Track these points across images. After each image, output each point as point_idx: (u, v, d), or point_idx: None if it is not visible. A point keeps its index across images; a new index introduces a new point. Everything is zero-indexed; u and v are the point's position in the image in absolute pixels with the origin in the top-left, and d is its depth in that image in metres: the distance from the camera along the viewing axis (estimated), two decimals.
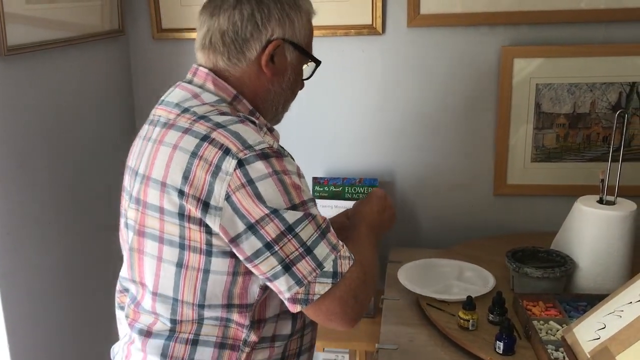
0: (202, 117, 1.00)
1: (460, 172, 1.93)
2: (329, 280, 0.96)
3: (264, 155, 0.95)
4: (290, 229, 0.94)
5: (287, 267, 0.95)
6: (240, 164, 0.94)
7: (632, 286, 1.09)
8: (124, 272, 1.12)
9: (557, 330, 1.27)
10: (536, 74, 1.79)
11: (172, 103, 1.06)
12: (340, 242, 1.00)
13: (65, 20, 1.63)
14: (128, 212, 1.07)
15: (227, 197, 0.93)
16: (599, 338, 1.04)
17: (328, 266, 0.96)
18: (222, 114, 1.01)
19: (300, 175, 1.01)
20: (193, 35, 1.90)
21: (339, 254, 0.98)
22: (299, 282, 0.95)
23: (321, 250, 0.96)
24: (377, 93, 1.90)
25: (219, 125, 0.98)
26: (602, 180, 1.49)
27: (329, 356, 2.12)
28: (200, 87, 1.07)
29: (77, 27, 1.68)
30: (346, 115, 1.93)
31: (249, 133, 0.98)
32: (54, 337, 1.65)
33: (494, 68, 1.82)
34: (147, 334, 1.05)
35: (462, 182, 1.93)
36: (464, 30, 1.81)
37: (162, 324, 1.04)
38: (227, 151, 0.94)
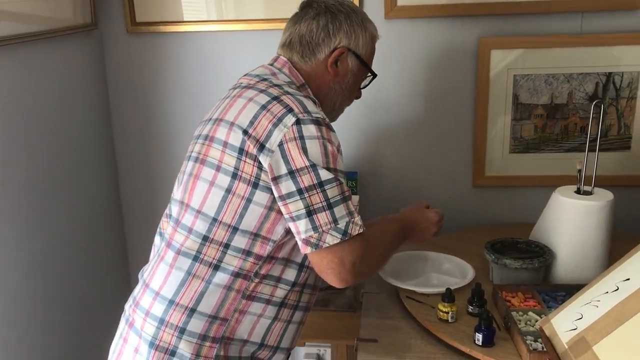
0: (277, 85, 1.23)
1: (439, 164, 1.92)
2: (339, 236, 1.12)
3: (317, 122, 1.15)
4: (320, 184, 1.12)
5: (310, 213, 1.12)
6: (298, 122, 1.14)
7: (609, 276, 1.10)
8: (176, 195, 1.29)
9: (536, 321, 1.28)
10: (514, 65, 1.79)
11: (255, 74, 1.29)
12: (357, 214, 1.16)
13: (34, 14, 1.59)
14: (195, 147, 1.27)
15: (280, 144, 1.13)
16: (576, 328, 1.05)
17: (342, 224, 1.13)
18: (291, 88, 1.24)
19: (339, 150, 1.19)
20: (168, 28, 1.91)
21: (353, 219, 1.14)
22: (315, 228, 1.12)
23: (340, 210, 1.13)
24: None
25: (288, 93, 1.20)
26: (580, 171, 1.49)
27: (311, 350, 2.12)
28: (279, 69, 1.30)
29: (47, 21, 1.64)
30: None
31: (310, 104, 1.19)
32: (26, 335, 1.62)
33: (471, 59, 1.82)
34: (178, 251, 1.21)
35: (441, 174, 1.93)
36: (442, 22, 1.80)
37: (193, 242, 1.19)
38: (290, 110, 1.15)
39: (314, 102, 1.23)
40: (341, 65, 1.31)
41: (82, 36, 1.84)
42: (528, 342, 1.21)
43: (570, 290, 1.33)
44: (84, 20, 1.81)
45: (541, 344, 1.19)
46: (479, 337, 1.25)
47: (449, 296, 1.35)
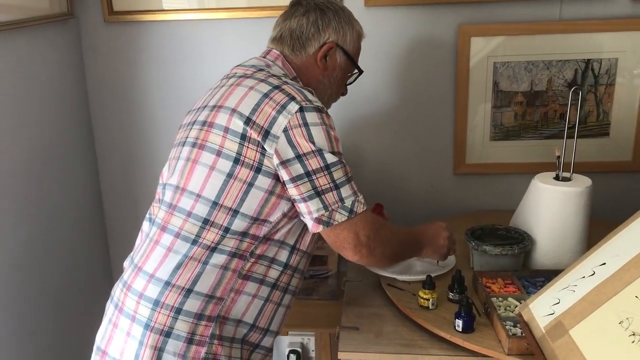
0: (275, 76, 1.28)
1: (420, 152, 1.93)
2: (346, 213, 1.20)
3: (318, 109, 1.21)
4: (327, 167, 1.19)
5: (319, 193, 1.19)
6: (301, 109, 1.19)
7: (585, 261, 1.11)
8: (170, 180, 1.30)
9: (516, 307, 1.29)
10: (493, 53, 1.80)
11: (249, 65, 1.34)
12: (360, 193, 1.24)
13: (8, 3, 1.56)
14: (191, 132, 1.29)
15: (285, 130, 1.18)
16: (553, 313, 1.06)
17: (348, 202, 1.21)
18: (290, 81, 1.28)
19: (338, 138, 1.25)
20: (146, 17, 1.89)
21: (357, 198, 1.23)
22: (325, 207, 1.19)
23: (345, 190, 1.21)
24: None
25: (287, 83, 1.25)
26: (558, 157, 1.50)
27: (295, 339, 2.12)
28: (272, 61, 1.35)
29: (22, 10, 1.61)
30: None
31: (310, 94, 1.25)
32: (4, 329, 1.61)
33: (451, 47, 1.82)
34: (177, 234, 1.23)
35: (422, 161, 1.93)
36: (422, 10, 1.80)
37: (193, 225, 1.22)
38: (292, 98, 1.21)
39: (311, 92, 1.28)
40: (330, 60, 1.37)
41: (58, 26, 1.81)
42: (507, 327, 1.22)
43: (549, 275, 1.34)
44: (60, 9, 1.78)
45: (520, 329, 1.20)
46: (459, 323, 1.26)
47: (429, 283, 1.36)
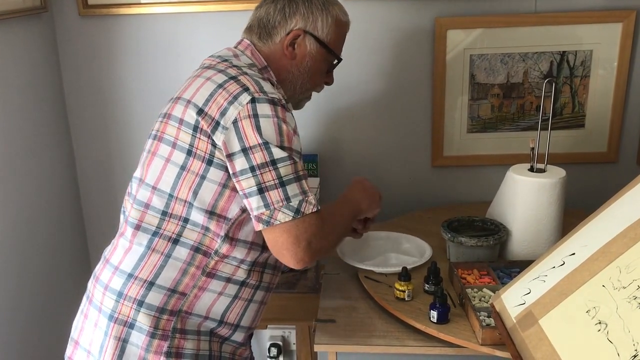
0: (236, 66, 1.24)
1: (399, 145, 1.93)
2: (291, 214, 1.13)
3: (272, 101, 1.16)
4: (273, 162, 1.13)
5: (261, 190, 1.13)
6: (253, 100, 1.15)
7: (556, 251, 1.12)
8: (136, 173, 1.30)
9: (491, 298, 1.30)
10: (470, 45, 1.80)
11: (217, 55, 1.31)
12: (311, 193, 1.17)
13: None
14: (155, 125, 1.29)
15: (235, 122, 1.14)
16: (524, 303, 1.07)
17: (294, 202, 1.14)
18: (251, 70, 1.25)
19: (295, 130, 1.19)
20: (122, 11, 1.87)
21: (306, 198, 1.15)
22: (266, 205, 1.13)
23: (292, 188, 1.14)
24: None
25: (246, 74, 1.21)
26: (532, 149, 1.51)
27: (276, 332, 2.13)
28: (242, 51, 1.32)
29: None
30: None
31: (267, 85, 1.20)
32: None
33: (428, 40, 1.82)
34: (136, 227, 1.22)
35: (401, 154, 1.94)
36: (398, 2, 1.80)
37: (152, 217, 1.21)
38: (246, 89, 1.17)
39: (272, 84, 1.25)
40: (298, 48, 1.31)
41: (32, 19, 1.79)
42: (481, 318, 1.23)
43: (524, 266, 1.34)
44: (33, 2, 1.76)
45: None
46: (434, 314, 1.27)
47: (405, 275, 1.37)
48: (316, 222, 1.16)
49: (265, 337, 2.14)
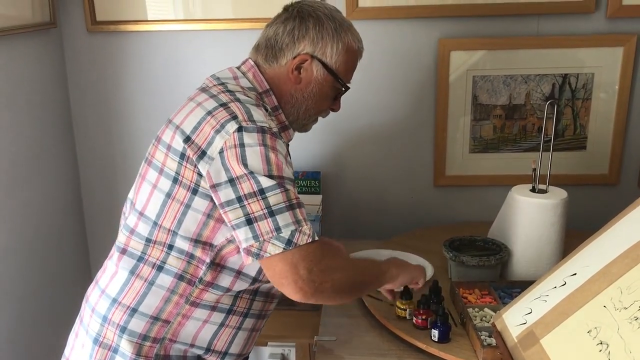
0: (229, 91, 1.20)
1: (401, 164, 1.94)
2: (282, 245, 1.06)
3: (261, 130, 1.11)
4: (261, 192, 1.07)
5: (250, 221, 1.07)
6: (240, 129, 1.10)
7: (557, 271, 1.12)
8: (130, 194, 1.28)
9: (492, 317, 1.30)
10: (473, 66, 1.82)
11: (216, 77, 1.27)
12: (308, 223, 1.09)
13: None
14: (149, 147, 1.26)
15: (221, 151, 1.09)
16: (525, 323, 1.07)
17: (285, 233, 1.06)
18: (246, 95, 1.20)
19: (287, 159, 1.14)
20: (129, 27, 1.90)
21: (300, 228, 1.07)
22: (255, 237, 1.07)
23: (284, 218, 1.07)
24: None
25: (238, 100, 1.16)
26: (534, 170, 1.52)
27: (275, 350, 2.12)
28: (243, 73, 1.27)
29: (4, 19, 1.61)
30: None
31: (257, 113, 1.15)
32: None
33: (432, 61, 1.84)
34: (122, 251, 1.21)
35: (403, 174, 1.95)
36: (402, 23, 1.82)
37: (137, 242, 1.19)
38: (234, 117, 1.12)
39: (267, 111, 1.20)
40: (305, 73, 1.25)
41: (41, 35, 1.81)
42: (482, 337, 1.23)
43: (525, 286, 1.35)
44: (42, 18, 1.79)
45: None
46: (435, 333, 1.27)
47: (407, 293, 1.37)
48: (314, 252, 1.07)
49: (265, 354, 2.13)
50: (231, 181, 1.08)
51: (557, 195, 1.49)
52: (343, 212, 1.99)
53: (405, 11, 1.80)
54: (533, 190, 1.53)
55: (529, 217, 1.49)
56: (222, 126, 1.11)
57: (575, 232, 1.61)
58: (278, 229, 1.06)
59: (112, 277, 1.21)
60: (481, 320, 1.31)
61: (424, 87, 1.87)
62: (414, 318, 1.33)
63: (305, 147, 1.94)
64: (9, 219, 1.68)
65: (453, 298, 1.43)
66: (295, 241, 1.06)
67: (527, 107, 1.85)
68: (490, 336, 1.24)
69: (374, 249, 1.70)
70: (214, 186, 1.09)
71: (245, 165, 1.07)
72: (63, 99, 1.94)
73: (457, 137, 1.89)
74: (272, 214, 1.07)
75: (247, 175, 1.07)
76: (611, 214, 1.22)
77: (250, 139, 1.09)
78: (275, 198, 1.07)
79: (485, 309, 1.34)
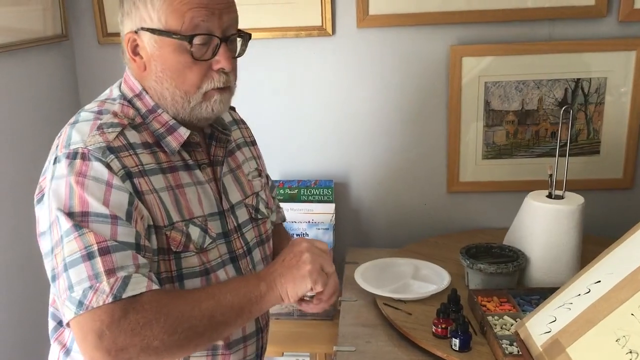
0: (83, 111, 1.06)
1: (414, 171, 1.94)
2: (73, 308, 0.87)
3: (71, 155, 0.96)
4: (62, 239, 0.91)
5: (54, 278, 0.92)
6: (55, 160, 0.97)
7: (580, 279, 1.12)
8: None
9: (512, 325, 1.29)
10: (485, 72, 1.82)
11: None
12: (115, 276, 0.88)
13: (3, 25, 1.57)
14: None
15: (47, 190, 0.96)
16: (550, 331, 1.06)
17: (77, 293, 0.87)
18: (98, 110, 1.04)
19: (109, 184, 0.94)
20: None
21: (98, 285, 0.87)
22: (58, 297, 0.92)
23: (78, 272, 0.88)
24: (330, 94, 1.89)
25: (72, 124, 1.02)
26: (550, 176, 1.52)
27: None
28: (120, 82, 1.11)
29: (16, 33, 1.62)
30: (299, 117, 1.92)
31: (81, 132, 0.99)
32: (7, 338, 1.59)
33: (443, 67, 1.84)
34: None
35: (416, 180, 1.94)
36: (413, 30, 1.82)
37: None
38: (56, 147, 1.00)
39: (100, 128, 0.99)
40: (142, 52, 1.04)
41: (53, 47, 1.82)
42: (504, 345, 1.22)
43: (544, 293, 1.35)
44: (54, 31, 1.79)
45: (517, 347, 1.20)
46: (456, 342, 1.26)
47: (444, 312, 1.33)
48: (111, 312, 0.86)
49: None
50: (51, 226, 0.93)
51: (574, 201, 1.49)
52: (356, 221, 1.99)
53: (416, 18, 1.80)
54: (549, 196, 1.52)
55: (546, 223, 1.48)
56: (48, 161, 1.00)
57: (591, 237, 1.61)
58: (70, 288, 0.88)
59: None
60: (501, 328, 1.30)
61: (435, 94, 1.87)
62: (434, 327, 1.32)
63: (318, 156, 1.94)
64: (26, 232, 1.68)
65: (472, 306, 1.42)
66: (87, 303, 0.86)
67: (540, 113, 1.84)
68: (511, 344, 1.23)
69: (389, 257, 1.69)
70: (39, 235, 0.98)
71: (56, 201, 0.93)
72: (75, 110, 1.94)
73: (470, 143, 1.88)
74: (65, 268, 0.89)
75: (55, 218, 0.92)
76: (627, 218, 1.22)
77: (59, 169, 0.95)
78: (69, 246, 0.89)
79: (505, 317, 1.33)
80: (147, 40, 1.03)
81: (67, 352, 1.07)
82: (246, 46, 1.11)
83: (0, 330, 1.59)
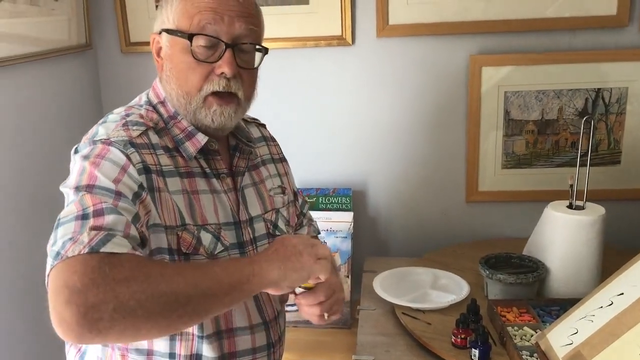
0: (109, 113, 1.10)
1: (433, 180, 1.94)
2: (51, 260, 0.83)
3: (93, 143, 1.00)
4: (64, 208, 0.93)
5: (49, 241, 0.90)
6: (75, 151, 1.02)
7: (603, 290, 1.11)
8: None
9: (531, 336, 1.28)
10: (504, 82, 1.82)
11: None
12: (99, 231, 0.84)
13: (30, 35, 1.60)
14: None
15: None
16: (571, 343, 1.06)
17: (57, 245, 0.83)
18: (126, 113, 1.08)
19: (124, 169, 0.95)
20: None
21: (78, 237, 0.83)
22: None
23: (65, 229, 0.85)
24: (349, 103, 1.90)
25: (100, 123, 1.07)
26: (571, 186, 1.51)
27: None
28: (149, 90, 1.16)
29: (42, 42, 1.65)
30: (318, 126, 1.93)
31: (107, 128, 1.04)
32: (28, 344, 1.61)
33: (463, 76, 1.84)
34: None
35: (435, 190, 1.94)
36: (433, 40, 1.83)
37: None
38: (82, 141, 1.05)
39: (125, 125, 1.03)
40: (162, 53, 1.09)
41: (77, 56, 1.85)
42: (524, 357, 1.22)
43: (564, 304, 1.34)
44: (78, 40, 1.82)
45: (536, 358, 1.19)
46: (476, 352, 1.26)
47: (463, 322, 1.33)
48: (83, 265, 0.80)
49: None
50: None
51: (595, 212, 1.48)
52: (374, 229, 1.99)
53: (436, 28, 1.80)
54: (570, 206, 1.51)
55: (566, 234, 1.47)
56: (72, 151, 1.05)
57: (612, 248, 1.59)
58: (55, 242, 0.84)
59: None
60: (521, 339, 1.30)
61: (455, 103, 1.87)
62: (453, 337, 1.32)
63: (336, 164, 1.95)
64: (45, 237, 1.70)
65: (491, 317, 1.42)
66: (64, 253, 0.81)
67: (560, 122, 1.84)
68: (531, 355, 1.23)
69: (407, 266, 1.69)
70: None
71: (63, 184, 0.98)
72: (97, 118, 1.97)
73: (489, 152, 1.88)
74: (58, 225, 0.87)
75: (66, 196, 0.96)
76: None
77: (78, 156, 1.00)
78: (67, 209, 0.89)
79: (525, 328, 1.33)
80: (164, 41, 1.07)
81: (82, 356, 1.09)
82: (261, 60, 1.12)
83: (17, 332, 1.62)
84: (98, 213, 0.87)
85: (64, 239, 0.84)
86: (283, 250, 0.99)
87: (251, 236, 1.15)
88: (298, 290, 1.10)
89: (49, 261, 0.84)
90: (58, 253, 0.82)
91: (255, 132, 1.29)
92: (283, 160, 1.35)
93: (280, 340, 1.23)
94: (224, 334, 1.09)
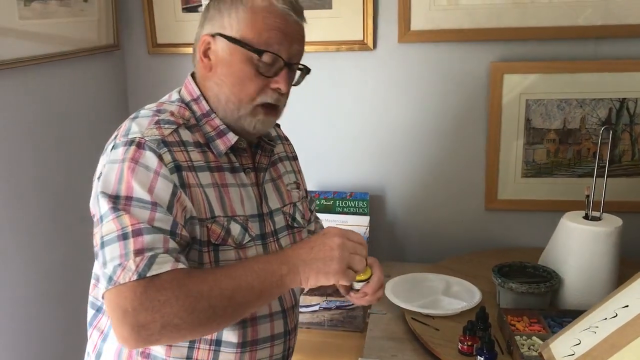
0: (144, 109, 1.13)
1: (452, 187, 1.93)
2: (105, 283, 0.95)
3: (128, 143, 1.03)
4: (101, 218, 0.99)
5: (96, 255, 1.00)
6: (113, 147, 1.05)
7: (608, 302, 1.09)
8: None
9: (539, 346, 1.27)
10: (526, 90, 1.80)
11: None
12: (142, 255, 0.94)
13: (60, 35, 1.66)
14: None
15: (99, 176, 1.04)
16: (573, 354, 1.05)
17: (109, 269, 0.94)
18: (157, 109, 1.12)
19: (157, 172, 1.01)
20: (188, 50, 1.94)
21: (126, 263, 0.93)
22: (100, 272, 0.97)
23: (112, 250, 0.95)
24: (368, 108, 1.91)
25: (132, 118, 1.10)
26: (587, 196, 1.49)
27: None
28: (181, 87, 1.19)
29: (71, 42, 1.71)
30: (337, 130, 1.94)
31: (140, 124, 1.07)
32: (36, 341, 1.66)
33: (484, 83, 1.83)
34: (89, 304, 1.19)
35: (454, 196, 1.94)
36: (454, 46, 1.82)
37: (92, 284, 1.16)
38: (115, 137, 1.08)
39: (158, 123, 1.07)
40: (212, 56, 1.12)
41: (105, 56, 1.91)
42: None
43: (576, 316, 1.32)
44: (107, 41, 1.88)
45: None
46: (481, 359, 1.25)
47: (470, 330, 1.33)
48: (132, 290, 0.92)
49: None
50: (94, 206, 1.04)
51: (611, 223, 1.45)
52: (391, 234, 1.99)
53: (458, 34, 1.80)
54: (586, 217, 1.49)
55: (581, 245, 1.45)
56: (104, 149, 1.09)
57: (629, 260, 1.56)
58: (105, 265, 0.95)
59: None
60: (529, 349, 1.29)
61: (476, 110, 1.86)
62: (459, 344, 1.32)
63: (354, 168, 1.96)
64: (69, 233, 1.76)
65: (501, 325, 1.41)
66: (116, 279, 0.93)
67: (582, 132, 1.81)
68: None
69: (421, 272, 1.69)
70: (94, 216, 1.04)
71: (102, 184, 1.01)
72: (124, 117, 2.02)
73: (510, 160, 1.86)
74: (102, 245, 0.96)
75: (97, 199, 1.01)
76: None
77: (115, 155, 1.03)
78: (107, 226, 0.97)
79: (534, 338, 1.31)
80: (220, 45, 1.10)
81: (105, 338, 1.14)
82: (303, 79, 1.20)
83: (42, 322, 1.67)
84: (136, 233, 0.95)
85: (114, 263, 0.94)
86: (318, 249, 1.04)
87: (272, 228, 1.20)
88: (357, 285, 1.15)
89: (103, 283, 0.95)
90: (110, 278, 0.93)
91: (272, 132, 1.35)
92: (296, 158, 1.41)
93: (295, 328, 1.27)
94: (248, 322, 1.13)
